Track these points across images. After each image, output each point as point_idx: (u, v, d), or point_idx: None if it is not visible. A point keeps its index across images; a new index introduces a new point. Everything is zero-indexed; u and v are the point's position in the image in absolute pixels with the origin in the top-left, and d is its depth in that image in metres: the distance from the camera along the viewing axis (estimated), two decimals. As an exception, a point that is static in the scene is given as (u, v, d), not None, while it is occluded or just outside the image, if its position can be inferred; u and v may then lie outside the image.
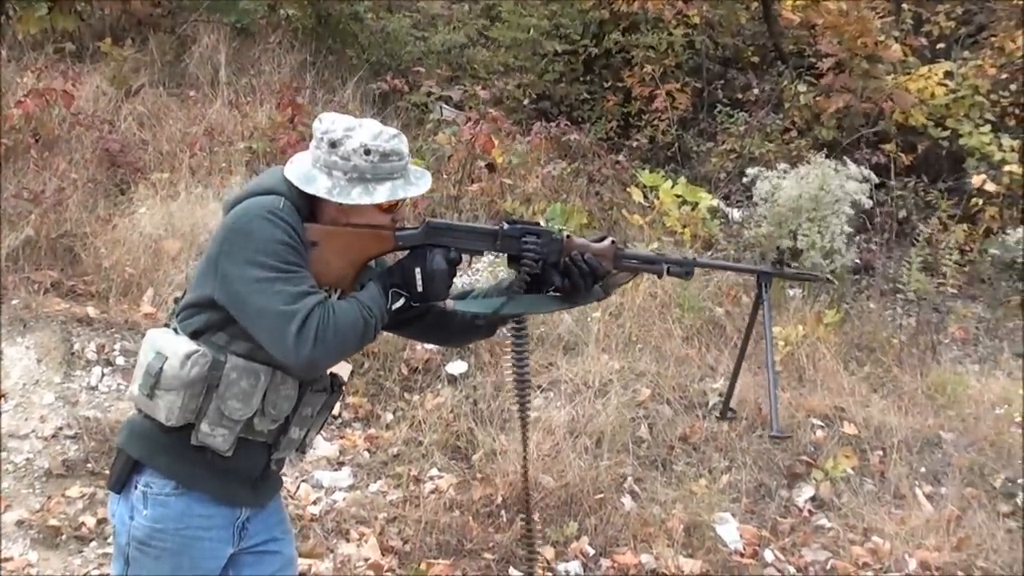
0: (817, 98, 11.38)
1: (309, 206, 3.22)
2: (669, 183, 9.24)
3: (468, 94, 11.21)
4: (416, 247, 3.29)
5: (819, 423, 7.48)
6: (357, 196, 3.15)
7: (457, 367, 7.46)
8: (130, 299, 7.60)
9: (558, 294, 3.42)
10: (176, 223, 8.04)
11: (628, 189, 9.89)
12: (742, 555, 6.40)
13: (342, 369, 7.15)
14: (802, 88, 11.57)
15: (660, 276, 3.55)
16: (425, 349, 7.53)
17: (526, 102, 11.92)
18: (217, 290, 3.11)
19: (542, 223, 3.64)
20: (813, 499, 6.98)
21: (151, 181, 8.68)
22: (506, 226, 3.38)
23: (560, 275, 3.38)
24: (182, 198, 8.35)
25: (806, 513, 6.89)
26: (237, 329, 3.11)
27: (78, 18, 10.68)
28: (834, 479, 7.03)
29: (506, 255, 3.42)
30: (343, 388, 3.58)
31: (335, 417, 7.11)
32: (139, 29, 10.89)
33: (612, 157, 11.17)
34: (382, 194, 3.17)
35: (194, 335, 3.18)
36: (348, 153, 3.15)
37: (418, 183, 3.26)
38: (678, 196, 9.10)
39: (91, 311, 7.36)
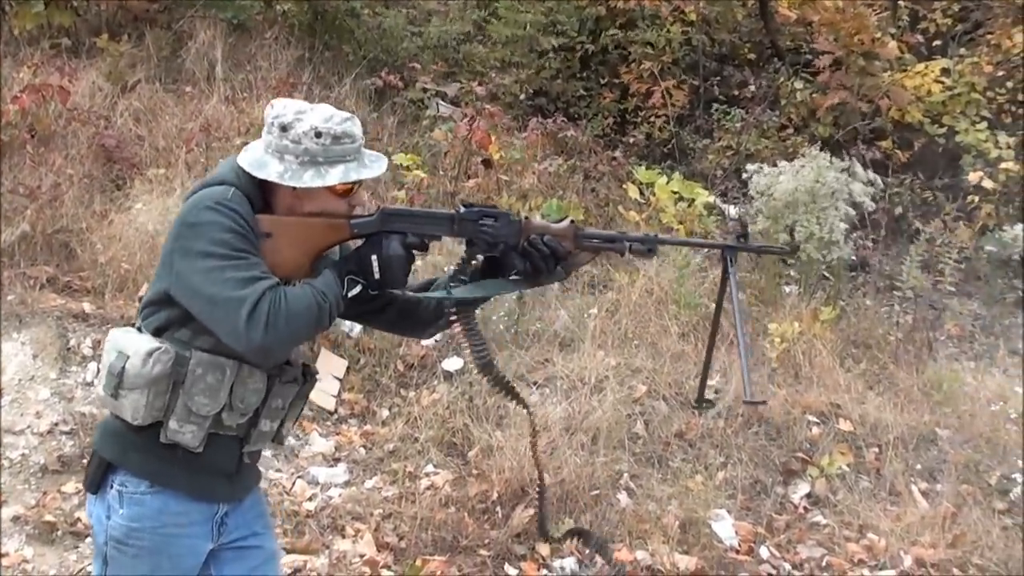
0: (813, 95, 11.39)
1: (263, 195, 3.21)
2: (665, 179, 9.23)
3: (464, 90, 11.21)
4: (372, 234, 3.26)
5: (815, 420, 7.48)
6: (309, 179, 3.13)
7: (453, 363, 7.46)
8: (126, 295, 7.59)
9: (520, 277, 3.38)
10: (172, 219, 8.02)
11: (624, 185, 9.88)
12: (737, 552, 6.40)
13: (337, 365, 7.19)
14: (798, 85, 11.59)
15: (622, 254, 3.48)
16: (421, 345, 7.54)
17: (522, 98, 11.92)
18: (172, 286, 3.10)
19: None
20: (809, 496, 6.98)
21: (147, 177, 8.67)
22: (463, 210, 3.34)
23: (520, 258, 3.33)
24: (178, 194, 8.33)
25: (801, 510, 6.89)
26: (199, 324, 3.09)
27: (74, 14, 10.65)
28: (830, 476, 7.03)
29: (465, 239, 3.36)
30: (316, 378, 3.55)
31: (330, 413, 7.12)
32: (135, 25, 10.87)
33: (608, 153, 11.18)
34: (334, 176, 3.14)
35: (157, 332, 3.17)
36: (299, 136, 3.13)
37: (372, 166, 3.24)
38: (674, 192, 9.09)
39: (87, 307, 7.37)
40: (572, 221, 3.40)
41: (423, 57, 11.84)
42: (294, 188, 3.16)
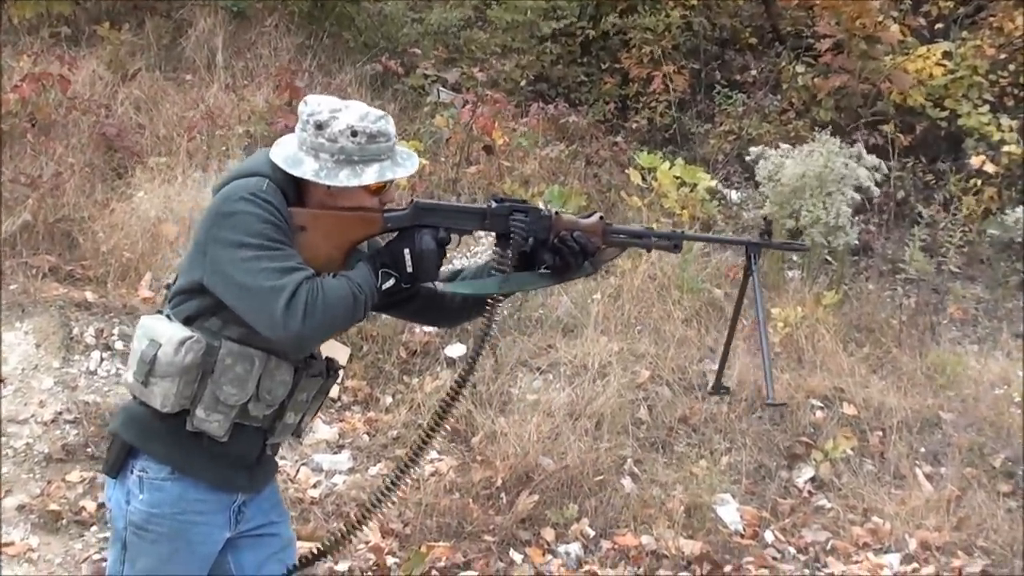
0: (815, 79, 11.37)
1: (296, 189, 3.21)
2: (667, 164, 9.21)
3: (465, 76, 11.19)
4: (405, 228, 3.27)
5: (818, 404, 7.48)
6: (345, 178, 3.14)
7: (456, 350, 7.45)
8: (128, 283, 7.58)
9: (548, 271, 3.41)
10: (174, 207, 8.03)
11: (626, 171, 9.87)
12: (742, 536, 6.41)
13: (340, 352, 7.19)
14: (800, 69, 11.56)
15: (648, 250, 3.58)
16: (424, 332, 7.53)
17: (523, 84, 11.90)
18: (206, 275, 3.11)
19: (541, 204, 3.62)
20: (813, 480, 6.99)
21: (148, 165, 8.66)
22: (494, 204, 3.36)
23: (550, 253, 3.37)
24: (180, 182, 8.33)
25: (806, 494, 6.90)
26: (230, 314, 3.10)
27: (73, 2, 10.65)
28: (834, 460, 7.03)
29: (495, 234, 3.39)
30: (339, 372, 3.57)
31: (334, 400, 7.11)
32: (135, 13, 10.87)
33: (610, 139, 11.19)
34: (370, 176, 3.15)
35: (187, 321, 3.18)
36: (335, 135, 3.13)
37: (405, 164, 3.25)
38: (677, 177, 9.07)
39: (89, 296, 7.35)
40: (601, 217, 3.43)
41: (424, 43, 11.81)
42: (328, 186, 3.17)
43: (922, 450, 7.29)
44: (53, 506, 5.83)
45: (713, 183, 9.57)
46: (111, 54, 9.98)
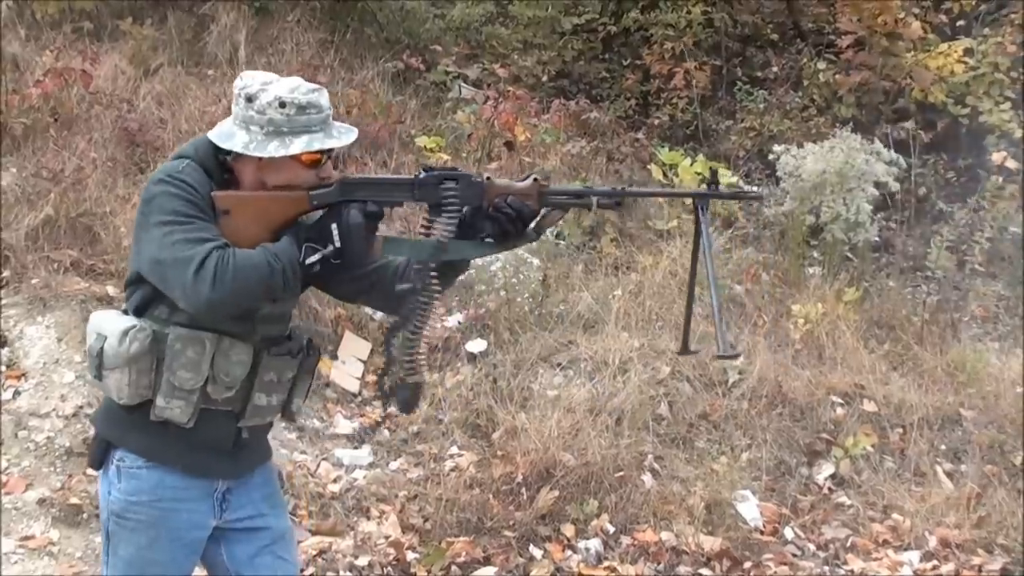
0: (836, 76, 11.35)
1: (231, 168, 3.25)
2: (689, 161, 9.20)
3: (486, 72, 11.19)
4: (333, 204, 3.25)
5: (839, 401, 7.46)
6: (273, 149, 3.14)
7: (476, 345, 7.46)
8: (149, 278, 7.59)
9: (491, 240, 3.32)
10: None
11: (648, 167, 9.86)
12: (762, 532, 6.41)
13: (361, 347, 7.20)
14: (821, 66, 11.54)
15: (590, 209, 3.43)
16: (444, 327, 7.54)
17: (545, 80, 11.90)
18: (137, 261, 3.18)
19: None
20: (833, 477, 6.98)
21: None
22: (423, 174, 3.30)
23: (487, 221, 3.27)
24: (201, 177, 8.34)
25: (826, 491, 6.89)
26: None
27: (96, -3, 10.68)
28: (854, 457, 7.02)
29: (427, 205, 3.31)
30: (319, 351, 3.57)
31: (355, 395, 7.13)
32: (157, 8, 10.88)
33: (631, 135, 11.19)
34: (298, 146, 3.15)
35: (138, 311, 3.23)
36: (263, 107, 3.15)
37: (340, 136, 3.24)
38: (698, 174, 9.06)
39: (111, 290, 7.37)
40: (536, 179, 3.34)
41: (445, 39, 11.83)
42: (259, 159, 3.19)
43: (942, 447, 7.27)
44: (74, 500, 5.85)
45: (734, 179, 9.55)
46: (133, 49, 10.00)
